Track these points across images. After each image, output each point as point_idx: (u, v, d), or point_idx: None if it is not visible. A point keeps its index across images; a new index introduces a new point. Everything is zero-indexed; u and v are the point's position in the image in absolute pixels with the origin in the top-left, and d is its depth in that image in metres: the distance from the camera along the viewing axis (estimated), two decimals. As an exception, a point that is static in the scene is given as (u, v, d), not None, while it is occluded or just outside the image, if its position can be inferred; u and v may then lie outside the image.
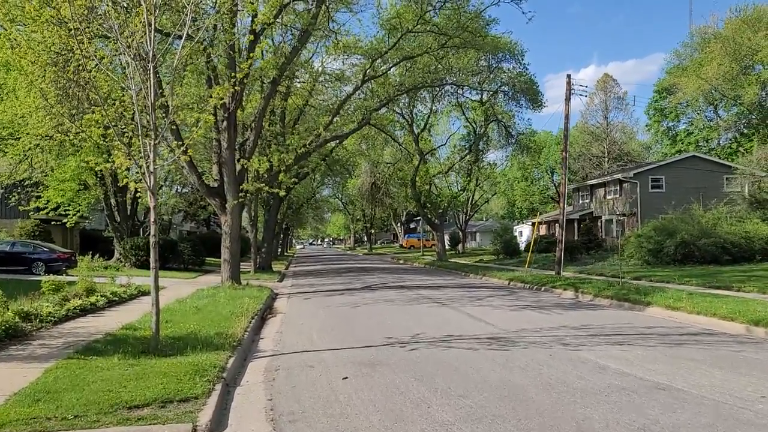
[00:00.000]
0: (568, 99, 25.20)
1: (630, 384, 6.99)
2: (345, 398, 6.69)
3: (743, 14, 43.89)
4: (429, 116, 41.97)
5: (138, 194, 31.33)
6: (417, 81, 26.48)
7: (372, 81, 24.11)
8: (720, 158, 46.03)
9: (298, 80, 27.07)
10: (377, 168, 51.41)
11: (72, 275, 20.18)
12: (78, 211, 29.06)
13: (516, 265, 34.62)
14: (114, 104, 10.25)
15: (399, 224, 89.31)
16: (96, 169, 15.32)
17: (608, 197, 43.69)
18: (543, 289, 20.90)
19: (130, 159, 9.65)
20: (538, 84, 40.93)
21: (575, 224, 46.38)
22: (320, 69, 27.56)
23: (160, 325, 9.23)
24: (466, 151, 44.34)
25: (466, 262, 42.12)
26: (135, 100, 9.50)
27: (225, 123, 20.08)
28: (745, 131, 53.32)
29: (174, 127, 16.50)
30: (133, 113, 9.65)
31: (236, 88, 10.09)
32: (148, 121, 9.20)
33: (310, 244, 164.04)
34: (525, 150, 43.71)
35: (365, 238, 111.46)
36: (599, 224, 44.56)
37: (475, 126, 43.12)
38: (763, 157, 33.13)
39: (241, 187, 20.22)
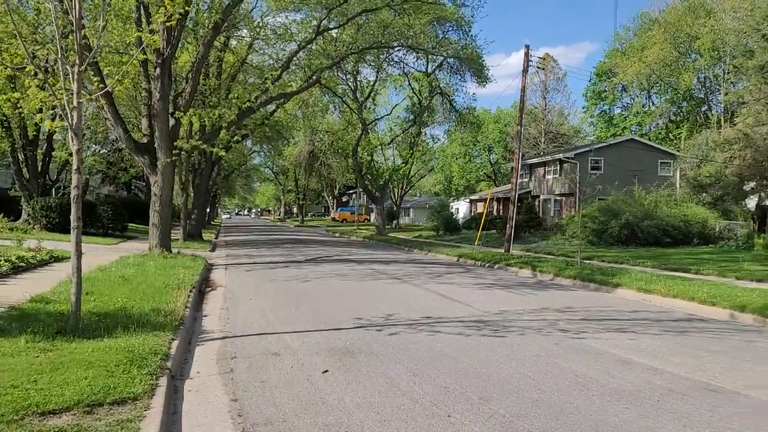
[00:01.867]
0: (525, 71, 24.27)
1: (674, 384, 5.88)
2: (335, 401, 5.22)
3: (686, 1, 44.61)
4: (375, 83, 40.24)
5: (53, 149, 28.25)
6: (371, 41, 24.71)
7: (321, 38, 22.18)
8: (653, 143, 46.97)
9: (239, 31, 24.74)
10: (316, 136, 49.26)
11: (-30, 236, 17.48)
12: (-21, 165, 25.69)
13: (458, 242, 33.90)
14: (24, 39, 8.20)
15: (331, 197, 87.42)
16: (2, 107, 12.86)
17: (548, 177, 43.71)
18: (496, 266, 20.03)
19: (46, 91, 7.63)
20: (484, 58, 39.79)
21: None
22: (260, 23, 25.27)
23: (81, 297, 7.41)
24: (410, 123, 43.03)
25: (405, 237, 41.12)
26: (55, 17, 7.48)
27: (158, 70, 17.73)
28: (673, 118, 54.89)
29: (96, 64, 14.18)
30: (54, 35, 7.64)
31: (179, 13, 8.20)
32: (72, 43, 7.24)
33: (237, 213, 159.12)
34: (468, 125, 42.87)
35: (295, 210, 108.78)
36: (537, 203, 44.61)
37: (420, 97, 41.81)
38: (707, 142, 33.59)
39: (174, 143, 18.07)
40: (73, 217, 7.07)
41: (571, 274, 16.08)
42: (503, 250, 24.39)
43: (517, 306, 10.80)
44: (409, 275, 16.21)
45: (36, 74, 8.07)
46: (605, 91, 57.75)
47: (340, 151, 47.02)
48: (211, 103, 18.77)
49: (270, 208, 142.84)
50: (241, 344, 7.50)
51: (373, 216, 78.61)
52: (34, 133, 25.48)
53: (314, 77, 21.49)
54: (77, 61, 7.29)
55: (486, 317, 9.45)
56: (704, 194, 29.34)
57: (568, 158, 40.26)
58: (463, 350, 7.12)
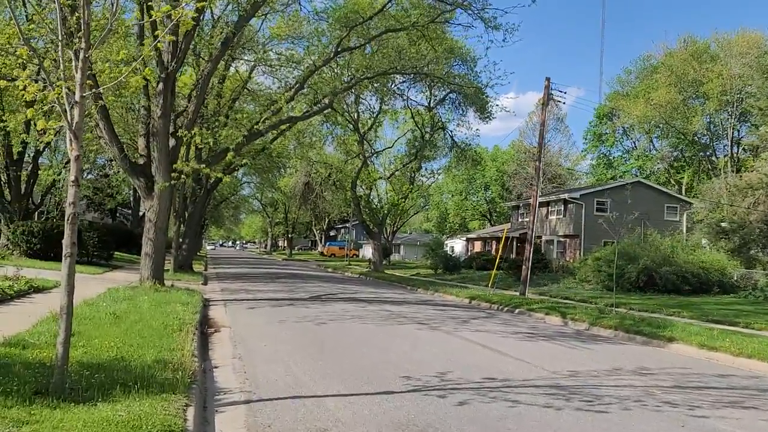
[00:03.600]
0: (545, 104, 23.23)
1: None
2: None
3: (689, 46, 44.38)
4: (378, 114, 39.02)
5: (38, 170, 26.48)
6: (386, 66, 23.55)
7: (336, 61, 20.95)
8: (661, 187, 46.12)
9: (244, 54, 23.49)
10: (312, 167, 47.83)
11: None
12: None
13: (461, 282, 32.27)
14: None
15: (320, 231, 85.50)
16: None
17: (551, 217, 42.52)
18: (517, 311, 18.39)
19: (43, 80, 6.07)
20: (487, 94, 38.66)
21: (514, 243, 45.01)
22: (265, 47, 24.09)
23: (69, 344, 5.73)
24: (412, 158, 41.82)
25: (402, 274, 39.36)
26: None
27: (161, 85, 16.24)
28: (674, 163, 54.33)
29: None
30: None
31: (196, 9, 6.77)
32: (77, 20, 5.73)
33: (221, 245, 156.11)
34: (470, 161, 41.75)
35: (281, 243, 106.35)
36: (540, 244, 43.27)
37: (422, 131, 40.72)
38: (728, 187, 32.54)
39: (174, 166, 16.46)
40: (66, 241, 5.44)
41: (611, 324, 14.49)
42: (518, 293, 22.87)
43: (583, 365, 9.18)
44: (431, 319, 14.56)
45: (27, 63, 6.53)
46: (606, 133, 57.25)
47: (337, 183, 45.58)
48: (217, 124, 17.30)
49: (255, 240, 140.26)
50: (273, 412, 5.82)
51: (362, 251, 76.95)
52: (20, 150, 23.76)
53: (327, 100, 20.17)
54: (83, 45, 5.75)
55: (560, 380, 7.83)
56: (725, 240, 28.13)
57: (573, 199, 39.18)
58: (569, 432, 5.49)
